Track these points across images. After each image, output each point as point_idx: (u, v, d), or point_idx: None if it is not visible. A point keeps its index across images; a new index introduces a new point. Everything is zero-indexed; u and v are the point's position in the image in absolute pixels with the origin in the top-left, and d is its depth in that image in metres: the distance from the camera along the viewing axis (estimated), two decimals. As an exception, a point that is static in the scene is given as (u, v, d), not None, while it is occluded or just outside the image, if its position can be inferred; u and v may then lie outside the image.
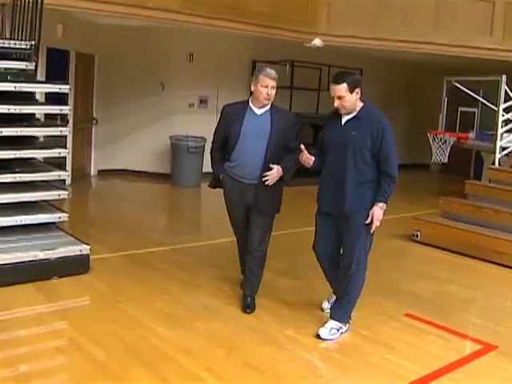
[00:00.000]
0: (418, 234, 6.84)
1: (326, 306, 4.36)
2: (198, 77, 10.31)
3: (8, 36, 6.10)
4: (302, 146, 4.00)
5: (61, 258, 4.80)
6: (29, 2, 5.66)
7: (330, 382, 3.51)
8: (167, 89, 10.25)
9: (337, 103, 3.84)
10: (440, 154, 9.16)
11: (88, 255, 4.96)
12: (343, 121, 3.91)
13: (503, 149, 8.10)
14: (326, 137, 4.05)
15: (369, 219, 3.82)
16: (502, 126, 8.11)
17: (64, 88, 5.16)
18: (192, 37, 9.83)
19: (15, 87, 4.90)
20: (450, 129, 9.56)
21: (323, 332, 3.94)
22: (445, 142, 9.15)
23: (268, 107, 4.22)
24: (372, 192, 3.87)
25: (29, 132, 4.96)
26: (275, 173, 4.14)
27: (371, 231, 3.91)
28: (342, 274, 4.01)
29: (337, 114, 3.95)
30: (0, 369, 3.34)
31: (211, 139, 4.43)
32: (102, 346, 3.66)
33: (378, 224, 3.84)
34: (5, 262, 4.55)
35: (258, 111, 4.21)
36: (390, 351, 3.86)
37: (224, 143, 4.30)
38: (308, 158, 3.96)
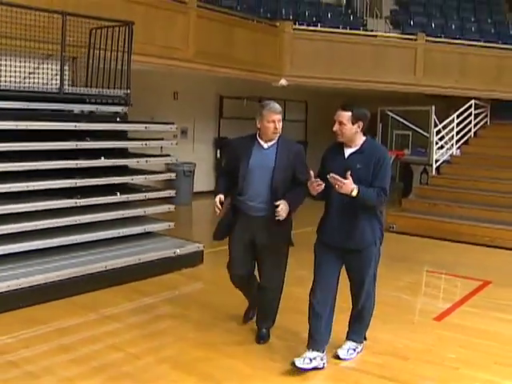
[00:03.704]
0: (394, 226, 9.27)
1: (343, 353, 4.19)
2: (181, 111, 12.14)
3: (83, 84, 7.67)
4: (312, 172, 3.84)
5: (187, 253, 6.56)
6: (111, 57, 7.35)
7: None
8: (157, 123, 11.96)
9: (336, 127, 3.86)
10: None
11: (202, 251, 6.73)
12: (346, 154, 3.90)
13: (436, 161, 10.87)
14: (329, 169, 3.82)
15: (339, 179, 3.66)
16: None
17: (173, 127, 6.96)
18: (177, 78, 11.68)
19: (146, 127, 6.64)
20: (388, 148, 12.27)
21: (342, 353, 4.14)
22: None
23: (275, 140, 4.19)
24: (379, 223, 3.97)
25: (158, 161, 6.69)
26: (283, 208, 4.04)
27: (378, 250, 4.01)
28: (355, 304, 4.17)
29: (338, 147, 3.96)
30: (238, 308, 5.12)
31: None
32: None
33: (339, 184, 3.67)
34: (158, 258, 6.24)
35: (265, 145, 4.20)
36: (433, 289, 6.21)
37: (232, 174, 4.26)
38: (319, 186, 3.76)
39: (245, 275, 4.44)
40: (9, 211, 5.44)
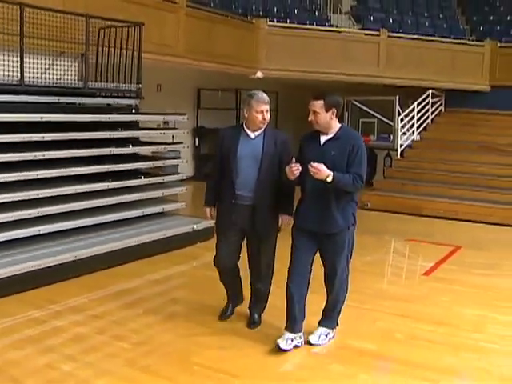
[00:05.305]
0: (368, 203, 10.41)
1: (314, 339, 4.22)
2: (164, 102, 12.89)
3: (93, 79, 8.35)
4: (294, 159, 3.97)
5: (202, 229, 7.44)
6: (120, 54, 8.07)
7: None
8: (142, 114, 12.68)
9: (311, 117, 3.96)
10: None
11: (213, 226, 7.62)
12: (322, 141, 4.01)
13: (400, 146, 12.12)
14: (305, 156, 4.00)
15: (316, 165, 3.79)
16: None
17: (185, 117, 7.81)
18: (160, 71, 12.43)
19: (164, 118, 7.46)
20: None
21: (313, 338, 4.18)
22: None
23: (262, 130, 4.27)
24: (351, 208, 4.05)
25: (173, 148, 7.56)
26: (287, 219, 4.32)
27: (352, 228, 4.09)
28: (328, 286, 4.19)
29: (315, 134, 4.05)
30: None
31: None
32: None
33: (313, 171, 3.80)
34: (179, 233, 7.11)
35: (252, 134, 4.27)
36: (415, 253, 7.38)
37: (223, 168, 4.35)
38: (296, 170, 3.87)
39: (233, 268, 4.58)
40: (53, 194, 6.18)
